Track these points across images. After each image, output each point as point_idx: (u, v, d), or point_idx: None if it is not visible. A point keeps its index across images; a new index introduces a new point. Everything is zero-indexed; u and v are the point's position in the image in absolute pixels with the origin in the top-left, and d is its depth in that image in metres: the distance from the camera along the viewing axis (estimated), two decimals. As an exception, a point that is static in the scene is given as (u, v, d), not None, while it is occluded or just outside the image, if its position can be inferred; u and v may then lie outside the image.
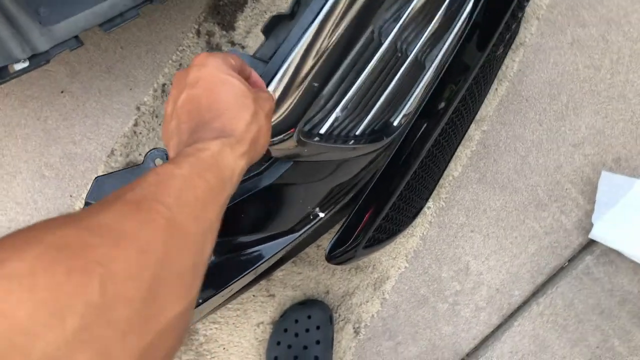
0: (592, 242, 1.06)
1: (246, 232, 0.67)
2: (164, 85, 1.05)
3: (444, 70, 0.77)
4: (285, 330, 0.96)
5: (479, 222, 1.05)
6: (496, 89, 1.07)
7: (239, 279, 0.70)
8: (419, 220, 1.04)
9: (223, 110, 0.41)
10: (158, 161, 0.57)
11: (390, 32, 0.62)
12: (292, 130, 0.57)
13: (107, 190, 0.56)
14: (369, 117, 0.66)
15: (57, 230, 0.24)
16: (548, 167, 1.07)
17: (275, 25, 0.57)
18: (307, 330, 0.96)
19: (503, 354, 1.04)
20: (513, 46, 1.07)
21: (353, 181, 0.72)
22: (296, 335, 0.95)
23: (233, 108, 0.41)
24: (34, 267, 0.22)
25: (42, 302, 0.21)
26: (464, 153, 1.05)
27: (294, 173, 0.64)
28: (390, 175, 0.78)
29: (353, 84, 0.61)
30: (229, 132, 0.40)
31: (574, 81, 1.08)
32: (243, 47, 1.07)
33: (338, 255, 0.77)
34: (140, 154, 1.04)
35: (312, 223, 0.70)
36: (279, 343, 0.96)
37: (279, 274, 1.02)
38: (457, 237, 1.05)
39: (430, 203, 1.04)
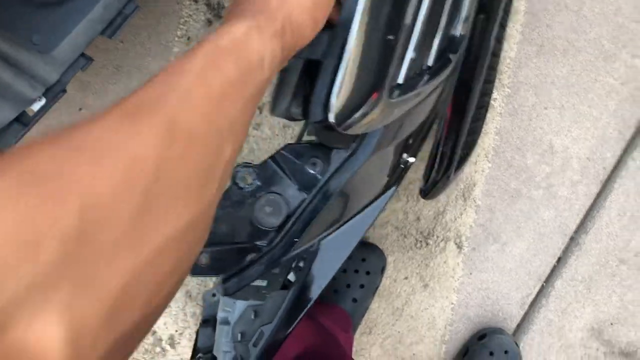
0: (672, 77, 0.98)
1: (353, 212, 0.61)
2: (179, 66, 0.96)
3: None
4: None
5: (549, 96, 0.98)
6: (528, -53, 0.96)
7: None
8: (488, 115, 0.97)
9: None
10: (247, 178, 0.50)
11: None
12: (374, 95, 0.48)
13: None
14: (437, 40, 0.57)
15: (33, 154, 0.21)
16: (606, 14, 0.97)
17: None
18: (356, 271, 0.94)
19: (611, 220, 1.00)
20: None
21: (433, 112, 0.65)
22: (344, 271, 0.93)
23: None
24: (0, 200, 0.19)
25: (10, 235, 0.19)
26: (514, 29, 0.96)
27: (383, 137, 0.57)
28: (464, 88, 0.71)
29: (418, 14, 0.52)
30: (259, 9, 0.34)
31: None
32: (246, -3, 0.96)
33: (433, 188, 0.72)
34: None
35: (405, 171, 0.64)
36: None
37: (364, 216, 0.98)
38: (532, 119, 0.98)
39: (495, 94, 0.97)
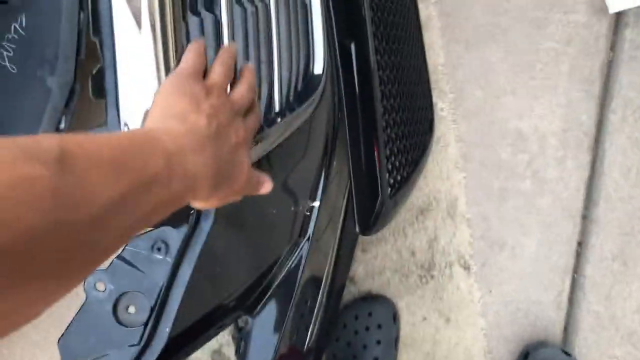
0: (619, 15, 0.91)
1: (249, 277, 0.59)
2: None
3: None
4: (345, 326, 0.88)
5: (497, 84, 0.93)
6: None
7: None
8: (441, 126, 0.93)
9: None
10: (99, 286, 0.50)
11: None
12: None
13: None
14: (276, 86, 0.56)
15: None
16: (520, -16, 0.93)
17: None
18: (367, 329, 0.88)
19: (617, 182, 0.90)
20: None
21: (328, 148, 0.63)
22: (356, 332, 0.87)
23: None
24: None
25: None
26: (433, 36, 0.94)
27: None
28: (364, 117, 0.68)
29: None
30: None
31: None
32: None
33: (371, 222, 0.68)
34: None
35: (314, 220, 0.62)
36: (337, 339, 0.88)
37: (359, 269, 0.93)
38: (488, 113, 0.93)
39: (440, 104, 0.93)
